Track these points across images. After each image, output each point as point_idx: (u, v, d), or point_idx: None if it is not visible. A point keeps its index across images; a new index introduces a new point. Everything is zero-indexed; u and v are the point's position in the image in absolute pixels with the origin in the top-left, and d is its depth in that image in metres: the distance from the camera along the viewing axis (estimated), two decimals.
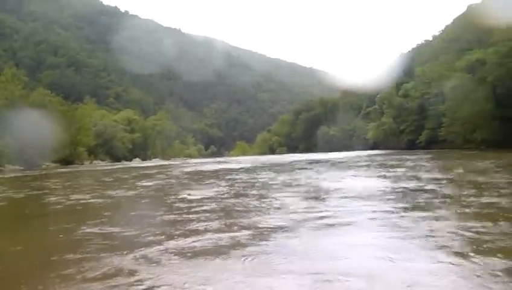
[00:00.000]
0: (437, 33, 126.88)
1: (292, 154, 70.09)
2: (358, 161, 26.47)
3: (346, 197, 8.27)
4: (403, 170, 15.99)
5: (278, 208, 7.15)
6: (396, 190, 9.04)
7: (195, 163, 37.58)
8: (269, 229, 5.22)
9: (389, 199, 7.73)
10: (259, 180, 13.48)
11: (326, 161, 28.61)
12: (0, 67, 54.47)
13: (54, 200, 9.69)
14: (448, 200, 7.37)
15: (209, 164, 31.80)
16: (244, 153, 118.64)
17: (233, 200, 8.29)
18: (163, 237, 5.00)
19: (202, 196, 9.03)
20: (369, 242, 4.41)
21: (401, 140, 64.65)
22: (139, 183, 14.18)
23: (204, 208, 7.27)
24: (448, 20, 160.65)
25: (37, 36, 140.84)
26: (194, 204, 7.76)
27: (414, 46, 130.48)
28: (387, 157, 29.11)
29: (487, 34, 41.82)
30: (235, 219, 6.10)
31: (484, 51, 37.87)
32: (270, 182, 12.43)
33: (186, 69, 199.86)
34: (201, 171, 21.40)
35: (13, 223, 7.26)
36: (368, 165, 20.77)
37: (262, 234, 4.97)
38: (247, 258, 3.89)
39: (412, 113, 62.40)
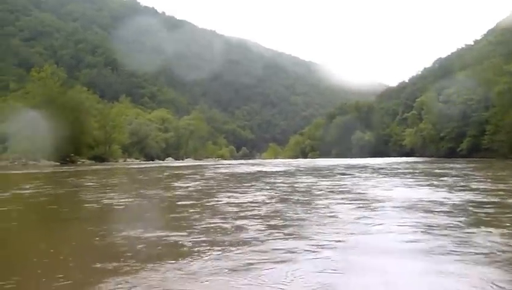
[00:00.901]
0: (479, 37, 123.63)
1: (326, 159, 69.02)
2: (399, 168, 25.44)
3: (401, 208, 7.52)
4: (452, 179, 15.00)
5: (331, 217, 6.49)
6: (455, 202, 8.20)
7: (228, 164, 37.19)
8: (325, 244, 4.55)
9: (450, 212, 6.93)
10: (302, 185, 12.79)
11: (365, 167, 27.68)
12: (41, 64, 55.56)
13: (91, 199, 9.29)
14: None
15: (244, 166, 31.28)
16: (276, 156, 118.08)
17: (280, 206, 7.64)
18: (211, 245, 4.42)
19: (246, 200, 8.43)
20: (444, 270, 3.63)
21: (440, 147, 62.54)
22: (176, 183, 13.72)
23: (251, 214, 6.66)
24: (491, 25, 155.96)
25: (76, 35, 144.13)
26: (239, 209, 7.16)
27: (454, 50, 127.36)
28: (430, 165, 27.91)
29: None
30: (287, 228, 5.47)
31: None
32: (314, 187, 11.73)
33: (220, 70, 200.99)
34: (238, 173, 20.86)
35: (52, 223, 6.84)
36: (411, 173, 19.80)
37: (319, 249, 4.33)
38: (304, 275, 3.30)
39: (453, 119, 60.24)
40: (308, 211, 7.15)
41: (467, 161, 36.45)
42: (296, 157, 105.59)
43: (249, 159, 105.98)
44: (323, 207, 7.62)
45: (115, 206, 7.98)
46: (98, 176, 19.57)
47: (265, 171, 21.72)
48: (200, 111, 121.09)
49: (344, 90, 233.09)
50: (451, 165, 27.41)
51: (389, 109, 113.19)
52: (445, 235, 4.99)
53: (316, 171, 21.50)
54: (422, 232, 5.24)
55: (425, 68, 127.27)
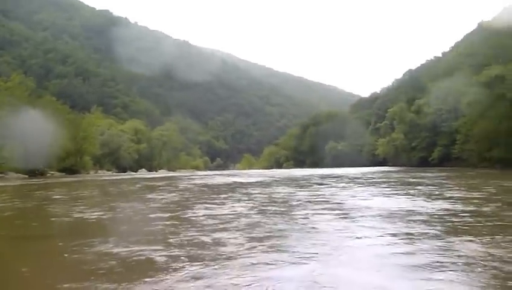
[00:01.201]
0: (447, 49, 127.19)
1: (301, 169, 69.14)
2: (374, 177, 25.57)
3: (380, 217, 7.44)
4: (427, 188, 15.10)
5: (312, 228, 6.33)
6: (432, 211, 8.18)
7: (203, 175, 36.74)
8: (308, 257, 4.37)
9: (427, 221, 6.87)
10: (279, 195, 12.60)
11: (340, 176, 27.73)
12: (9, 74, 54.03)
13: (61, 213, 8.89)
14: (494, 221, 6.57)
15: (219, 177, 30.94)
16: (250, 167, 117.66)
17: (259, 218, 7.42)
18: (189, 261, 4.17)
19: (224, 212, 8.19)
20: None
21: (412, 157, 63.41)
22: (150, 195, 13.35)
23: (230, 226, 6.43)
24: (459, 37, 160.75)
25: (46, 44, 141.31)
26: (217, 221, 6.91)
27: (423, 62, 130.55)
28: (404, 175, 28.15)
29: (505, 49, 41.01)
30: (268, 240, 5.27)
31: (504, 66, 36.91)
32: (292, 198, 11.57)
33: (194, 81, 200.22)
34: (213, 184, 20.55)
35: (18, 240, 6.43)
36: (387, 182, 19.89)
37: (302, 262, 4.16)
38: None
39: (424, 129, 61.28)
40: (288, 223, 6.96)
41: (439, 170, 36.95)
42: (271, 167, 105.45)
43: (224, 170, 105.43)
44: (303, 218, 7.44)
45: (86, 221, 7.62)
46: (68, 189, 18.98)
47: (241, 182, 21.47)
48: (174, 122, 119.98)
49: (318, 101, 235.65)
50: (424, 174, 27.72)
51: (362, 119, 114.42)
52: (427, 244, 4.90)
53: (292, 182, 21.37)
54: (405, 243, 5.12)
55: (396, 80, 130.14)
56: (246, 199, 11.46)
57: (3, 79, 48.17)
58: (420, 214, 7.76)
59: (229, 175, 35.56)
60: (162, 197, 12.47)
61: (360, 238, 5.49)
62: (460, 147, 49.54)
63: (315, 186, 17.27)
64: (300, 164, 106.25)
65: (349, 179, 23.71)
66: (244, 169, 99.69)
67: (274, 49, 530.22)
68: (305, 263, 4.08)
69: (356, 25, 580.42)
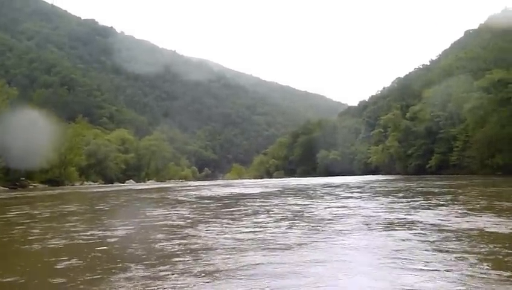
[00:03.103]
0: (434, 58, 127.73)
1: (294, 178, 67.29)
2: (381, 186, 23.96)
3: (456, 237, 5.70)
4: (450, 197, 13.45)
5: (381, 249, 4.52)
6: (487, 226, 6.53)
7: (196, 186, 34.65)
8: None
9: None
10: (297, 208, 10.71)
11: (343, 186, 26.03)
12: None
13: (35, 237, 6.88)
14: None
15: (214, 187, 28.93)
16: (240, 176, 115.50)
17: (300, 234, 5.52)
18: None
19: (247, 233, 6.29)
20: None
21: (408, 164, 61.95)
22: (144, 211, 11.34)
23: (266, 261, 4.53)
24: (446, 45, 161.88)
25: (30, 54, 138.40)
26: (238, 255, 4.98)
27: (411, 70, 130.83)
28: (409, 183, 26.42)
29: (506, 52, 39.93)
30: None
31: (507, 70, 35.68)
32: (314, 211, 9.70)
33: (181, 91, 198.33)
34: (213, 196, 18.54)
35: None
36: (401, 191, 18.12)
37: None
38: None
39: (420, 136, 59.97)
40: (351, 246, 5.12)
41: (441, 178, 35.39)
42: (261, 177, 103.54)
43: (212, 179, 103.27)
44: (357, 236, 5.71)
45: (63, 250, 5.65)
46: (49, 203, 16.86)
47: (243, 193, 19.52)
48: (161, 131, 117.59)
49: (305, 110, 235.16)
50: (431, 183, 26.13)
51: (351, 128, 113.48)
52: None
53: (297, 192, 19.48)
54: None
55: (384, 88, 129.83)
56: (264, 213, 9.57)
57: None
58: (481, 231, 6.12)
59: (223, 185, 33.57)
60: (158, 213, 10.47)
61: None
62: (459, 154, 48.28)
63: (327, 197, 15.43)
64: (291, 173, 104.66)
65: (358, 188, 21.99)
66: (234, 179, 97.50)
67: (261, 58, 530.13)
68: None
69: (341, 36, 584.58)
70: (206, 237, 6.34)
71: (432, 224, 7.14)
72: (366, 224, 7.46)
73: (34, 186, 42.89)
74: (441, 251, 4.92)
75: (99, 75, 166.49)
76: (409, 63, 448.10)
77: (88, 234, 7.07)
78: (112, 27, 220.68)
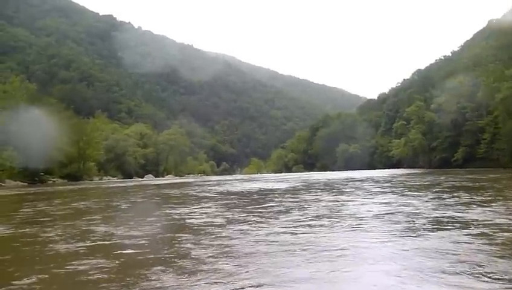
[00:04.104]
0: (456, 49, 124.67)
1: (313, 173, 66.12)
2: (406, 181, 22.87)
3: None
4: (502, 193, 12.27)
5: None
6: None
7: (217, 181, 33.81)
8: None
9: None
10: (336, 204, 9.70)
11: (366, 179, 24.99)
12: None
13: (55, 237, 6.03)
14: None
15: (236, 182, 28.03)
16: (258, 171, 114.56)
17: (356, 255, 4.55)
18: None
19: (284, 239, 5.34)
20: None
21: (433, 158, 60.12)
22: (168, 209, 10.47)
23: (317, 269, 3.62)
24: (468, 36, 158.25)
25: (50, 50, 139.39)
26: (283, 262, 4.05)
27: (432, 61, 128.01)
28: (439, 178, 25.06)
29: None
30: None
31: None
32: (353, 209, 8.70)
33: (198, 85, 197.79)
34: (237, 192, 17.59)
35: None
36: (430, 185, 16.95)
37: None
38: None
39: (445, 128, 58.05)
40: (411, 249, 4.17)
41: (470, 172, 33.85)
42: (280, 171, 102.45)
43: (230, 174, 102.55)
44: (412, 238, 4.81)
45: (85, 254, 4.77)
46: (68, 200, 16.18)
47: (269, 189, 18.54)
48: (179, 126, 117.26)
49: (323, 103, 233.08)
50: (463, 177, 24.79)
51: (371, 121, 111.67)
52: None
53: (326, 187, 18.43)
54: None
55: (404, 79, 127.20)
56: (298, 210, 8.62)
57: (1, 81, 45.66)
58: None
59: (245, 180, 32.66)
60: (183, 211, 9.56)
61: None
62: (487, 146, 46.51)
63: (358, 192, 14.38)
64: (310, 167, 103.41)
65: (386, 182, 20.96)
66: (253, 173, 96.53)
67: (278, 52, 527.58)
68: None
69: (358, 28, 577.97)
70: (241, 239, 5.44)
71: (488, 223, 6.18)
72: (415, 223, 6.55)
73: (53, 181, 42.67)
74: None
75: (118, 71, 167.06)
76: (427, 55, 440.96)
77: (111, 234, 6.22)
78: (129, 22, 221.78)
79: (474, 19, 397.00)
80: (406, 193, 13.71)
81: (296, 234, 5.73)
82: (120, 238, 6.00)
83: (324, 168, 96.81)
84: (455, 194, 11.95)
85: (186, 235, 6.09)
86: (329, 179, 28.49)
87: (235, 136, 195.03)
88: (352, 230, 6.08)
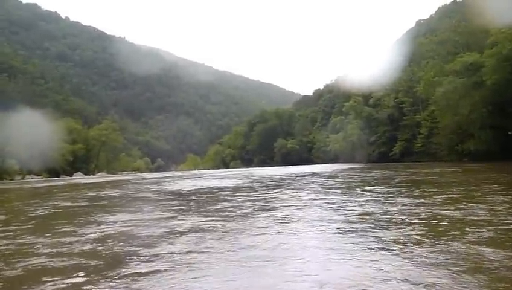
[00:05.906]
0: (390, 46, 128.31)
1: (253, 168, 64.84)
2: (354, 175, 21.89)
3: None
4: (462, 188, 11.27)
5: None
6: None
7: (154, 179, 31.36)
8: None
9: None
10: (303, 204, 8.04)
11: (314, 174, 23.88)
12: None
13: None
14: None
15: (176, 180, 25.83)
16: (195, 167, 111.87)
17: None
18: None
19: (256, 253, 3.57)
20: None
21: (371, 152, 60.74)
22: (103, 216, 8.32)
23: None
24: (398, 35, 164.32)
25: None
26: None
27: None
28: (386, 172, 24.33)
29: (476, 36, 38.89)
30: None
31: (480, 53, 34.51)
32: (339, 208, 7.10)
33: (131, 79, 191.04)
34: (181, 191, 15.51)
35: None
36: (386, 180, 15.89)
37: None
38: None
39: (383, 123, 58.84)
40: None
41: (405, 166, 33.66)
42: (217, 167, 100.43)
43: (165, 171, 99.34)
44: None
45: None
46: None
47: (217, 187, 16.55)
48: (111, 121, 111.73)
49: (258, 99, 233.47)
50: (408, 171, 24.24)
51: (308, 116, 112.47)
52: None
53: (278, 183, 16.79)
54: None
55: (338, 77, 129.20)
56: (264, 212, 6.87)
57: None
58: None
59: (186, 177, 30.55)
60: (134, 217, 7.48)
61: None
62: (424, 141, 47.34)
63: (320, 188, 12.89)
64: (247, 163, 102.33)
65: (336, 177, 19.73)
66: (190, 170, 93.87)
67: (213, 47, 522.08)
68: None
69: (292, 27, 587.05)
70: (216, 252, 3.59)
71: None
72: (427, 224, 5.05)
73: None
74: None
75: (43, 63, 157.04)
76: (361, 53, 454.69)
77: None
78: (56, 12, 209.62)
79: (403, 19, 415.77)
80: (374, 190, 12.37)
81: (270, 241, 3.97)
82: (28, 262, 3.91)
83: (262, 163, 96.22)
84: (426, 190, 10.77)
85: (130, 247, 4.12)
86: (273, 175, 27.11)
87: (170, 131, 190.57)
88: (345, 235, 4.41)
